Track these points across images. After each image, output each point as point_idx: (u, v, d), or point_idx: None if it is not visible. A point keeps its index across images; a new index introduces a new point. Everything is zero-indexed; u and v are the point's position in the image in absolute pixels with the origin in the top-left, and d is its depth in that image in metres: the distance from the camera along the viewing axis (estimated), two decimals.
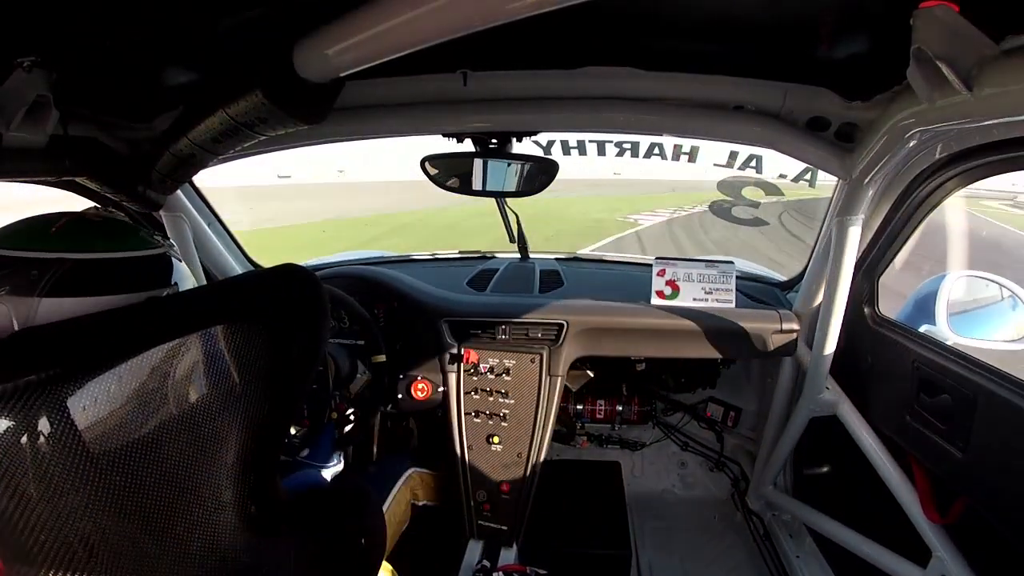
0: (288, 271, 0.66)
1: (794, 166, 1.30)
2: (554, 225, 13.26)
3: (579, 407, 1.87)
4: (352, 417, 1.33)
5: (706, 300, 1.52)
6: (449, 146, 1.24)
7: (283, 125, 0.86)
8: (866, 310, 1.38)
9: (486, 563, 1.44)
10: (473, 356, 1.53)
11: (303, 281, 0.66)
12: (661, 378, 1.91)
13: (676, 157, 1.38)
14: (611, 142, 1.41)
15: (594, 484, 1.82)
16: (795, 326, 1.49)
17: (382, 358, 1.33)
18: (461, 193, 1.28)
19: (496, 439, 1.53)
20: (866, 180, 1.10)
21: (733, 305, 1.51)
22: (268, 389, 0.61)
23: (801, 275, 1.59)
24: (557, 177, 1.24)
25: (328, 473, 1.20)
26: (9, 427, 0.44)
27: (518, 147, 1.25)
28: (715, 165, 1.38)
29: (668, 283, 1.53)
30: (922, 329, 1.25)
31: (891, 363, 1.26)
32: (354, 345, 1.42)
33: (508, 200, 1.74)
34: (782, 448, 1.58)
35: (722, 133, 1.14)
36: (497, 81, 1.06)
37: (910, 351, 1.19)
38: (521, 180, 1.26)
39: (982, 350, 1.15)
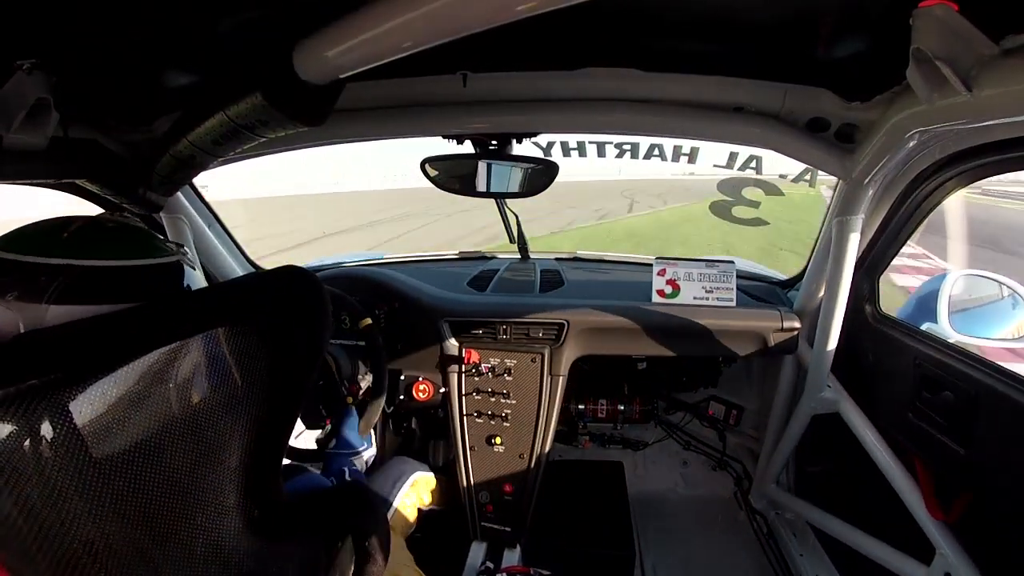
0: (289, 272, 0.66)
1: (794, 166, 1.30)
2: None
3: (580, 407, 1.87)
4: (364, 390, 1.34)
5: (707, 299, 1.52)
6: (449, 148, 1.24)
7: (283, 127, 0.85)
8: (867, 308, 1.38)
9: (489, 564, 1.44)
10: (474, 356, 1.53)
11: (304, 282, 0.65)
12: (662, 377, 1.90)
13: (676, 158, 1.39)
14: (611, 143, 1.41)
15: (598, 484, 1.81)
16: (796, 324, 1.49)
17: (368, 321, 1.28)
18: (462, 194, 1.28)
19: (498, 440, 1.52)
20: (866, 180, 1.10)
21: (734, 304, 1.51)
22: (270, 391, 0.60)
23: (801, 274, 1.59)
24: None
25: (362, 459, 1.19)
26: (11, 432, 0.43)
27: (518, 148, 1.25)
28: (715, 166, 1.38)
29: (669, 282, 1.54)
30: (923, 327, 1.25)
31: (892, 361, 1.26)
32: (355, 346, 1.42)
33: (507, 201, 1.74)
34: (784, 446, 1.58)
35: (722, 134, 1.14)
36: (497, 82, 1.05)
37: (911, 348, 1.19)
38: (523, 181, 1.27)
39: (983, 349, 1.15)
